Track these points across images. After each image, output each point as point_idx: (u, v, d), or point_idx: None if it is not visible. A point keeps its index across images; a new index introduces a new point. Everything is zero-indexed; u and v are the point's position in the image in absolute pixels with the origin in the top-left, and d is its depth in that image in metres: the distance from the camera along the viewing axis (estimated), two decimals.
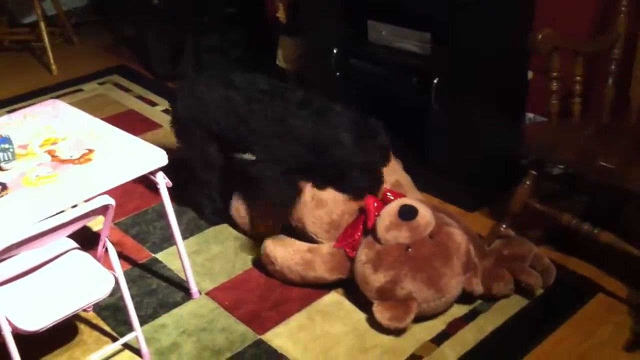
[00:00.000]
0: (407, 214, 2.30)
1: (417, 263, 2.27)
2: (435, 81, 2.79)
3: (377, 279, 2.29)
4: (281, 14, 3.67)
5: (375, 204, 2.38)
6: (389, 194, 2.43)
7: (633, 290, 2.41)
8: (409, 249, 2.29)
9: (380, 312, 2.28)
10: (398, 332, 2.28)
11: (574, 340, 2.24)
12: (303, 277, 2.45)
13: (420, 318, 2.30)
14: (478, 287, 2.34)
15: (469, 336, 2.27)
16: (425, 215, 2.33)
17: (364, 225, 2.41)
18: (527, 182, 2.54)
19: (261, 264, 2.55)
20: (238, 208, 2.76)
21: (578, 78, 2.53)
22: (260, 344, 2.27)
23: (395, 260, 2.28)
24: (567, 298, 2.42)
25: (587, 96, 2.62)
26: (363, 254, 2.34)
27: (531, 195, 2.55)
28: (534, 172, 2.53)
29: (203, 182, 2.81)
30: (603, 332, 2.27)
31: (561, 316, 2.34)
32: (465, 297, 2.36)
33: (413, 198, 2.50)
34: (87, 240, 2.22)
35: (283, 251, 2.46)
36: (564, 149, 2.36)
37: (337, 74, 3.25)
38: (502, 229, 2.64)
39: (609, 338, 2.24)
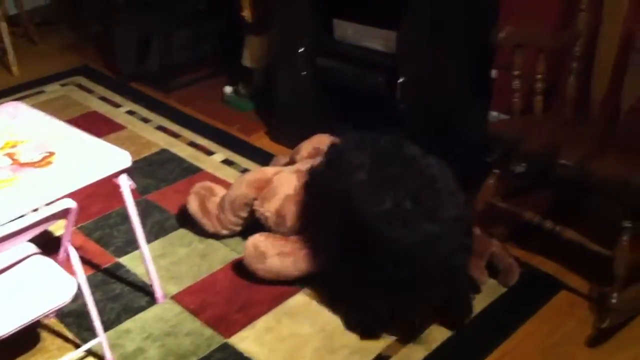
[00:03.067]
0: None
1: None
2: (400, 80, 2.79)
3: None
4: (246, 13, 3.64)
5: None
6: None
7: (595, 286, 2.44)
8: None
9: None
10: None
11: (538, 336, 2.27)
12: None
13: None
14: None
15: (436, 335, 2.28)
16: None
17: None
18: (491, 180, 2.55)
19: (227, 266, 2.54)
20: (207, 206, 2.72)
21: (540, 75, 2.55)
22: (226, 347, 2.25)
23: None
24: (531, 295, 2.44)
25: (551, 93, 2.65)
26: None
27: (495, 193, 2.57)
28: (497, 170, 2.54)
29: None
30: (566, 328, 2.29)
31: (526, 313, 2.36)
32: None
33: None
34: (49, 244, 2.18)
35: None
36: (527, 145, 2.38)
37: (304, 72, 3.25)
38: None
39: (572, 334, 2.27)
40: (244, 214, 2.63)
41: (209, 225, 2.71)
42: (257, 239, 2.46)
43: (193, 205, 2.72)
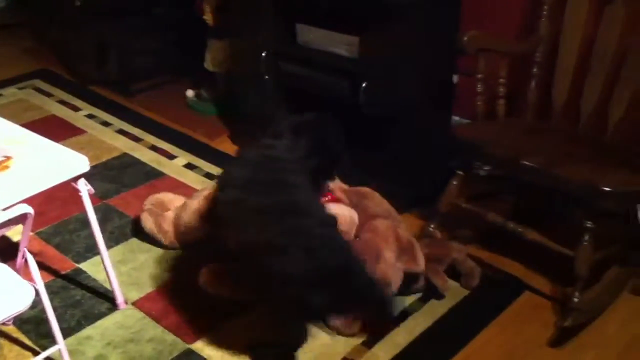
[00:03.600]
0: None
1: None
2: (363, 84, 2.79)
3: None
4: (208, 16, 3.62)
5: None
6: None
7: (558, 287, 2.47)
8: None
9: (339, 324, 2.28)
10: (330, 336, 2.27)
11: (502, 338, 2.28)
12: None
13: None
14: (418, 267, 2.36)
15: (400, 338, 2.28)
16: (345, 219, 2.32)
17: None
18: (454, 182, 2.57)
19: (189, 272, 2.50)
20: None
21: (502, 80, 2.58)
22: (190, 353, 2.22)
23: None
24: (494, 297, 2.46)
25: (513, 97, 2.68)
26: None
27: (458, 195, 2.58)
28: (460, 173, 2.56)
29: None
30: (530, 329, 2.31)
31: (489, 315, 2.37)
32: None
33: (336, 189, 2.52)
34: (6, 251, 2.13)
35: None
36: (490, 149, 2.40)
37: (266, 76, 3.23)
38: (430, 228, 2.66)
39: (535, 335, 2.29)
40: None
41: (165, 240, 2.68)
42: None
43: (147, 224, 2.69)
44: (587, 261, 2.24)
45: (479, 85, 2.53)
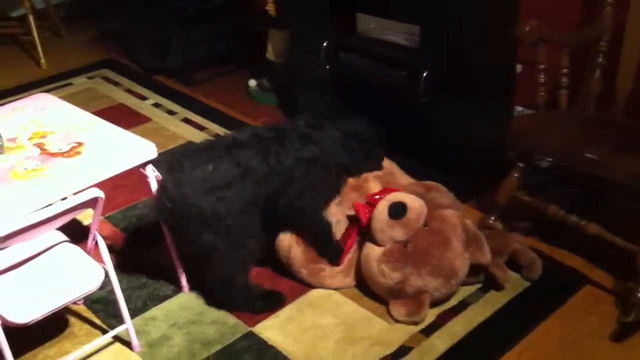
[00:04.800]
0: (397, 212, 2.31)
1: (418, 258, 2.30)
2: (424, 74, 2.80)
3: (385, 281, 2.32)
4: (270, 7, 3.67)
5: (365, 208, 2.38)
6: (377, 196, 2.43)
7: (619, 281, 2.43)
8: (408, 245, 2.31)
9: (396, 310, 2.32)
10: (389, 323, 2.30)
11: (561, 330, 2.26)
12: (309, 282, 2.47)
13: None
14: (484, 258, 2.36)
15: (458, 328, 2.29)
16: (415, 207, 2.34)
17: (358, 231, 2.43)
18: (514, 174, 2.55)
19: None
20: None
21: (564, 70, 2.55)
22: (250, 335, 2.28)
23: (397, 260, 2.30)
24: (554, 289, 2.44)
25: (574, 88, 2.64)
26: (368, 258, 2.35)
27: (518, 187, 2.56)
28: (521, 164, 2.54)
29: None
30: (590, 323, 2.29)
31: (549, 307, 2.36)
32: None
33: (404, 183, 2.54)
34: (77, 233, 2.22)
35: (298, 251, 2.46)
36: (550, 141, 2.38)
37: (327, 67, 3.26)
38: (490, 221, 2.66)
39: (595, 328, 2.27)
40: None
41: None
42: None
43: None
44: None
45: (540, 76, 2.51)
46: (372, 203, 2.39)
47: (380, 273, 2.31)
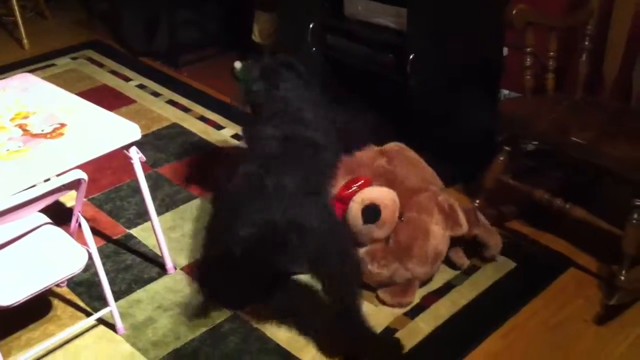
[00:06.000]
0: (371, 216, 2.29)
1: (402, 253, 2.30)
2: (411, 57, 2.78)
3: (374, 279, 2.33)
4: None
5: (338, 206, 2.36)
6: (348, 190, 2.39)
7: (603, 264, 2.45)
8: (389, 241, 2.32)
9: (386, 297, 2.32)
10: (374, 305, 2.31)
11: (546, 313, 2.28)
12: None
13: None
14: (462, 229, 2.36)
15: (443, 310, 2.29)
16: (388, 205, 2.31)
17: None
18: (501, 158, 2.55)
19: None
20: None
21: (552, 53, 2.55)
22: (235, 318, 2.27)
23: (382, 258, 2.31)
24: (539, 272, 2.45)
25: (562, 72, 2.64)
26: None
27: (504, 171, 2.56)
28: (507, 148, 2.54)
29: None
30: (574, 305, 2.30)
31: (533, 290, 2.37)
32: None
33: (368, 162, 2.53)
34: (60, 215, 2.20)
35: None
36: (538, 124, 2.38)
37: (314, 49, 3.23)
38: (475, 204, 2.66)
39: (580, 311, 2.28)
40: None
41: None
42: None
43: None
44: (636, 240, 2.21)
45: (527, 60, 2.50)
46: (343, 199, 2.36)
47: (368, 274, 2.31)
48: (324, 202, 2.13)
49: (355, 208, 2.30)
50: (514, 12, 2.40)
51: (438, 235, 2.32)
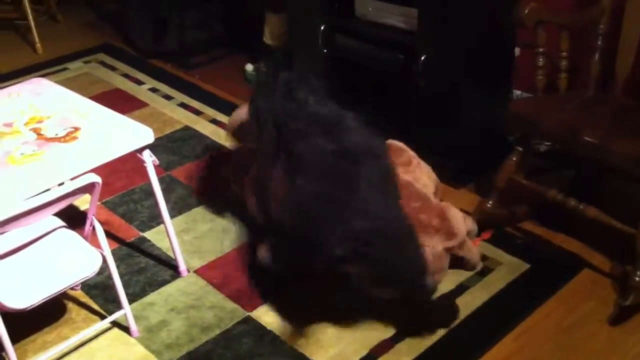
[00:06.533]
0: None
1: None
2: (422, 58, 2.78)
3: None
4: None
5: None
6: None
7: (617, 264, 2.43)
8: None
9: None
10: None
11: (560, 314, 2.27)
12: None
13: None
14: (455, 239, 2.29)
15: None
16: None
17: None
18: (513, 158, 2.54)
19: (249, 242, 2.55)
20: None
21: (564, 53, 2.54)
22: (249, 320, 2.28)
23: None
24: (552, 273, 2.44)
25: (574, 71, 2.63)
26: None
27: (517, 170, 2.56)
28: (519, 148, 2.53)
29: None
30: (588, 306, 2.29)
31: (547, 291, 2.36)
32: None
33: None
34: (74, 219, 2.22)
35: None
36: (549, 124, 2.37)
37: (325, 50, 3.24)
38: (488, 205, 2.65)
39: (593, 312, 2.27)
40: None
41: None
42: None
43: None
44: None
45: (539, 59, 2.49)
46: None
47: None
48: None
49: None
50: (526, 10, 2.40)
51: (433, 205, 2.28)
